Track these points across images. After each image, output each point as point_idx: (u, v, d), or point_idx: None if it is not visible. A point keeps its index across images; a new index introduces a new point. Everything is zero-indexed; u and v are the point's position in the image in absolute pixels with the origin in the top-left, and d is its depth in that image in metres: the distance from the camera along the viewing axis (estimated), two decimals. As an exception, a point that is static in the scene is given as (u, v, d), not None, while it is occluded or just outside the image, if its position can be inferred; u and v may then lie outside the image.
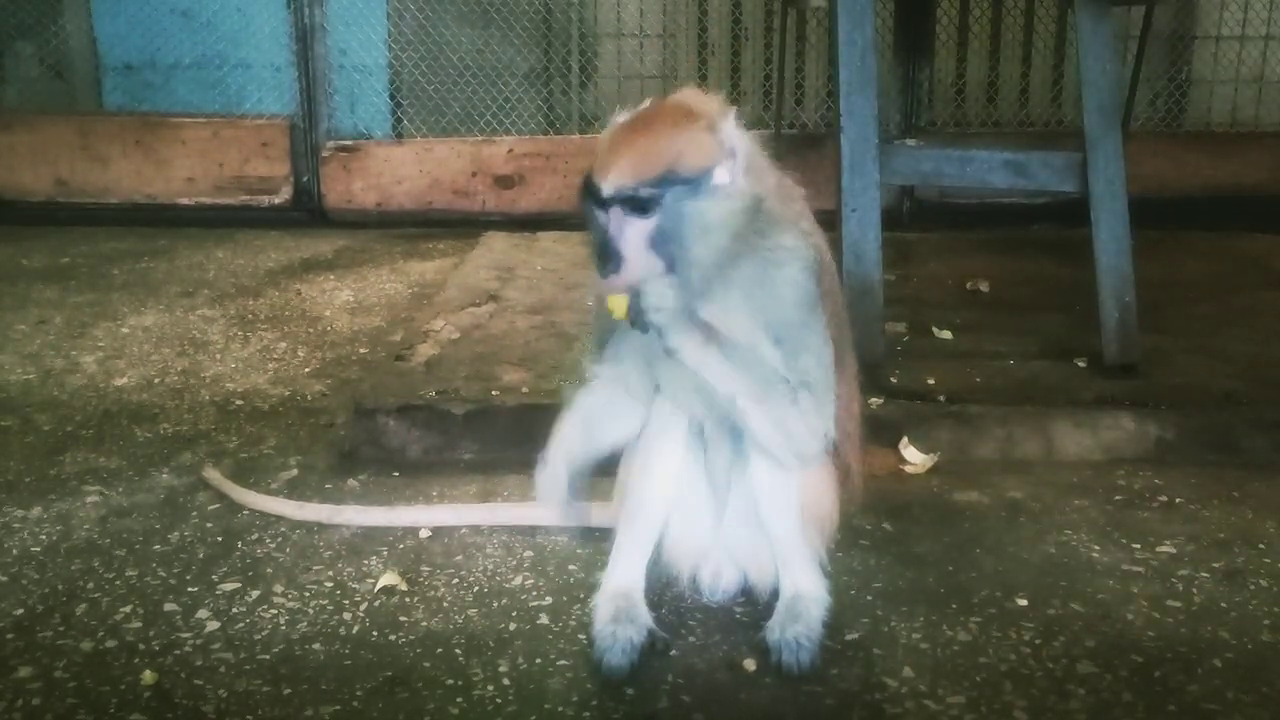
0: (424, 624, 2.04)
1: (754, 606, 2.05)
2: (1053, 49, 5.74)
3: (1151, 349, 3.05)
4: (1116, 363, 2.98)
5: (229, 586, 2.17)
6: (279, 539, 2.36)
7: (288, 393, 3.24)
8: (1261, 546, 2.33)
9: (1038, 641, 1.98)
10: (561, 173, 5.41)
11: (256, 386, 3.29)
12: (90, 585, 2.17)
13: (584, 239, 1.84)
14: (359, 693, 1.84)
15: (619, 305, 1.73)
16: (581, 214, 1.79)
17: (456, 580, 2.20)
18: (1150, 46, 4.59)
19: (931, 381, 2.93)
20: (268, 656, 1.94)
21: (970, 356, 3.15)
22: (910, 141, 4.31)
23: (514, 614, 2.07)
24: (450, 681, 1.87)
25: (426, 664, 1.92)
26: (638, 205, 1.68)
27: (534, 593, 2.14)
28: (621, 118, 1.79)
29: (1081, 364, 3.06)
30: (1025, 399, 2.85)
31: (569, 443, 1.96)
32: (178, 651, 1.95)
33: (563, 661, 1.91)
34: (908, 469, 2.69)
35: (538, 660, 1.92)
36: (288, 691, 1.84)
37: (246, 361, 3.50)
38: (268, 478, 2.68)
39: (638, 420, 1.97)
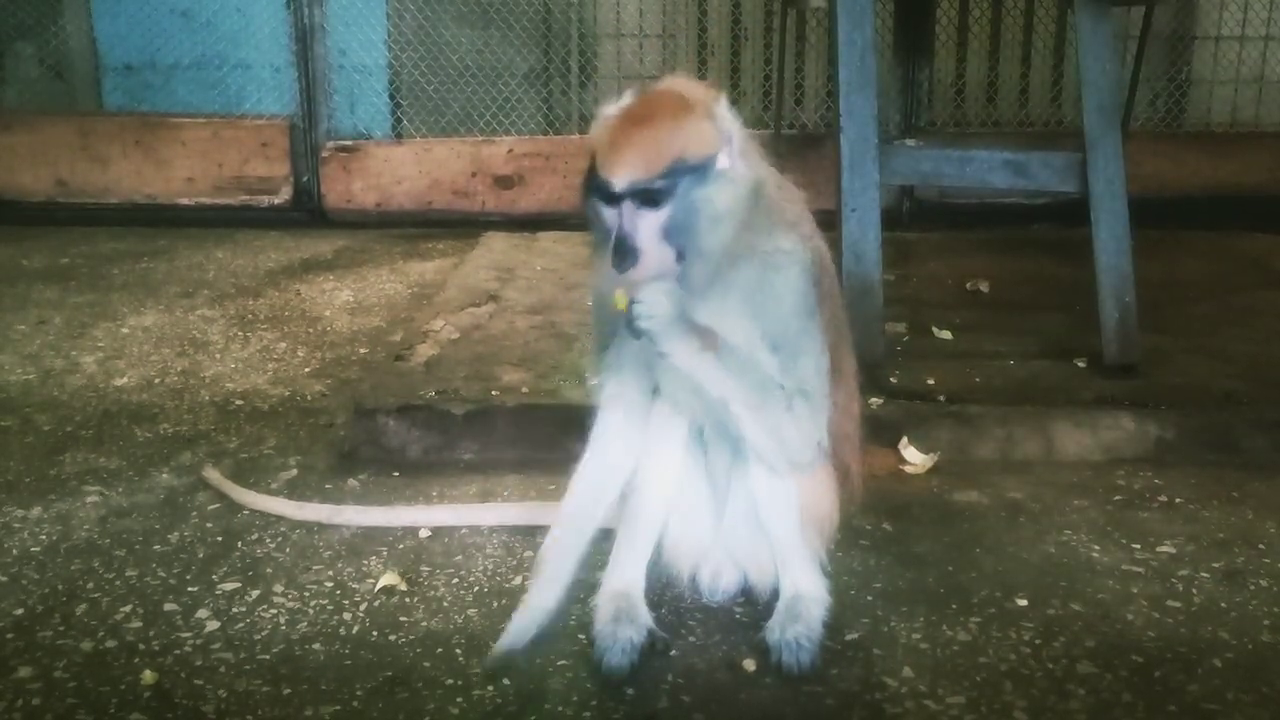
0: (424, 624, 2.04)
1: (754, 606, 2.05)
2: (1052, 49, 5.74)
3: (1151, 349, 3.05)
4: (1116, 363, 2.98)
5: (229, 586, 2.17)
6: (279, 539, 2.36)
7: (288, 393, 3.24)
8: (1261, 546, 2.33)
9: (1038, 641, 1.98)
10: (561, 173, 5.41)
11: (256, 386, 3.29)
12: (90, 585, 2.17)
13: (584, 239, 1.83)
14: (359, 693, 1.84)
15: (623, 299, 1.72)
16: (583, 213, 1.78)
17: (456, 580, 2.20)
18: (1150, 46, 4.60)
19: (931, 381, 2.93)
20: (268, 656, 1.93)
21: (970, 356, 3.15)
22: (910, 141, 4.31)
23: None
24: (450, 681, 1.87)
25: (426, 664, 1.92)
26: (650, 198, 1.67)
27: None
28: (612, 111, 1.76)
29: (1081, 364, 3.06)
30: (1025, 399, 2.85)
31: (573, 527, 1.94)
32: (178, 651, 1.95)
33: (563, 661, 1.91)
34: (908, 469, 2.69)
35: (538, 660, 1.92)
36: (288, 691, 1.84)
37: (246, 362, 3.50)
38: (268, 478, 2.68)
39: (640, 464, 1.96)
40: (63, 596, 2.13)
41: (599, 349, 1.95)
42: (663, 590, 2.09)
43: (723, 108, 1.75)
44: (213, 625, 2.03)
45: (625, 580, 1.98)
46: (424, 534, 2.38)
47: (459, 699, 1.82)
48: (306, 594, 2.14)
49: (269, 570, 2.23)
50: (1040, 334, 3.34)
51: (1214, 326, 3.44)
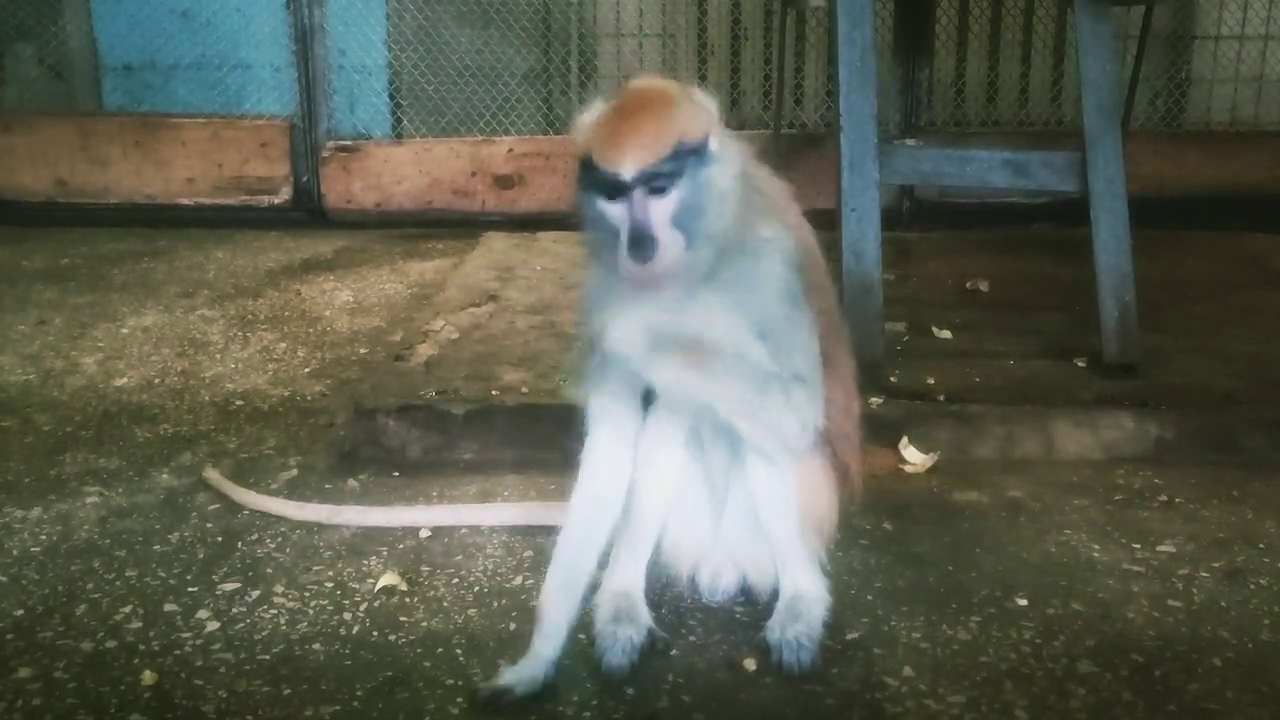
0: (424, 624, 2.04)
1: (754, 606, 2.05)
2: (1052, 49, 5.74)
3: (1151, 349, 3.05)
4: (1116, 362, 2.98)
5: (229, 587, 2.17)
6: (279, 539, 2.36)
7: (287, 393, 3.24)
8: (1261, 546, 2.33)
9: (1038, 641, 1.98)
10: (561, 173, 5.41)
11: (256, 387, 3.29)
12: (90, 586, 2.17)
13: (583, 239, 1.83)
14: (359, 693, 1.84)
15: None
16: (579, 216, 1.77)
17: (456, 580, 2.20)
18: (1150, 46, 4.60)
19: (931, 381, 2.93)
20: (268, 656, 1.93)
21: (970, 356, 3.15)
22: (910, 141, 4.30)
23: (514, 614, 2.07)
24: (450, 681, 1.87)
25: (426, 664, 1.92)
26: (659, 183, 1.66)
27: (534, 593, 2.13)
28: (598, 111, 1.75)
29: (1081, 363, 3.06)
30: (1025, 399, 2.85)
31: (566, 570, 1.92)
32: (178, 652, 1.95)
33: (563, 661, 1.90)
34: (908, 469, 2.69)
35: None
36: (288, 691, 1.84)
37: (246, 362, 3.50)
38: (268, 478, 2.68)
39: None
40: (63, 597, 2.13)
41: (587, 355, 1.91)
42: (663, 590, 2.09)
43: (701, 95, 1.76)
44: (213, 625, 2.03)
45: (625, 580, 1.98)
46: (424, 534, 2.38)
47: (459, 699, 1.82)
48: (307, 594, 2.14)
49: (269, 570, 2.23)
50: (1040, 333, 3.34)
51: (1214, 326, 3.44)
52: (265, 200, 5.53)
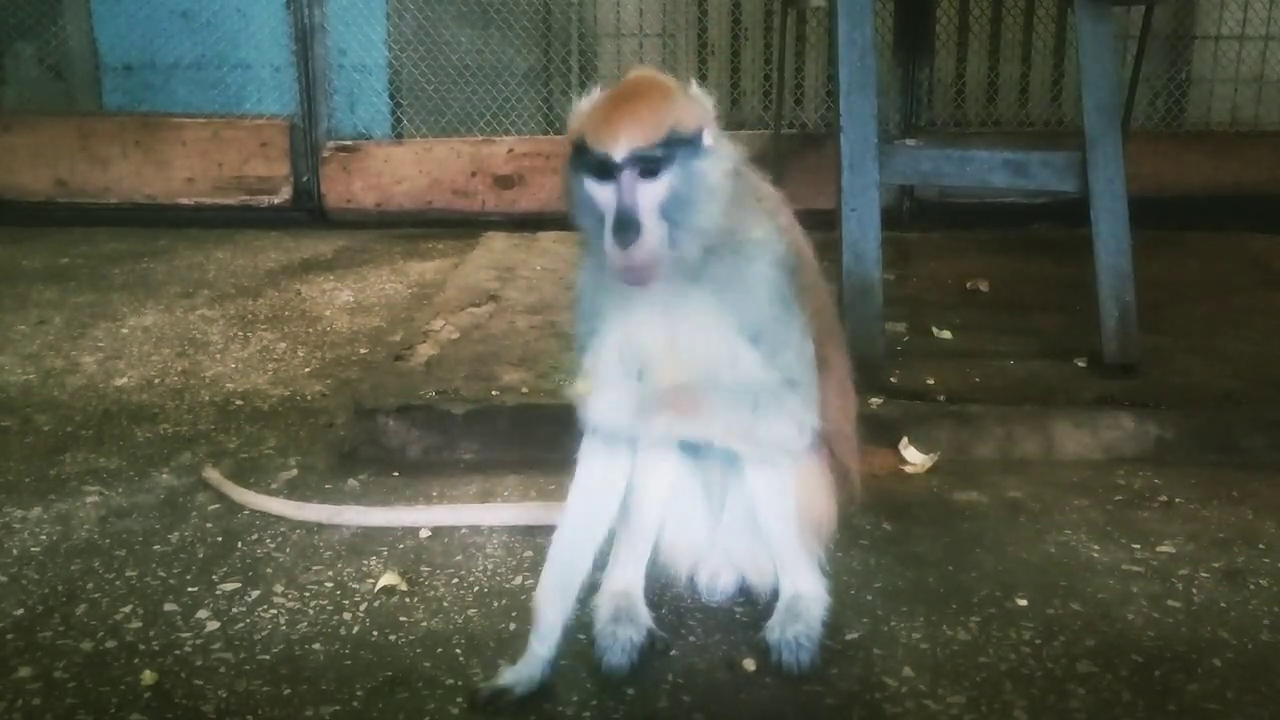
0: (424, 624, 2.04)
1: (754, 606, 2.05)
2: (1053, 49, 5.74)
3: (1151, 349, 3.05)
4: (1116, 362, 2.98)
5: (229, 586, 2.17)
6: (279, 539, 2.36)
7: (287, 393, 3.24)
8: (1261, 546, 2.33)
9: (1038, 641, 1.98)
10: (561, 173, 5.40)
11: (256, 387, 3.29)
12: (90, 585, 2.17)
13: (579, 238, 1.83)
14: (359, 693, 1.84)
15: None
16: (569, 203, 1.76)
17: (456, 580, 2.20)
18: (1150, 46, 4.60)
19: (931, 381, 2.93)
20: (268, 656, 1.94)
21: (970, 356, 3.15)
22: (910, 141, 4.31)
23: (514, 614, 2.07)
24: (450, 681, 1.87)
25: (426, 664, 1.92)
26: (649, 166, 1.66)
27: (534, 592, 2.13)
28: (594, 98, 1.75)
29: (1081, 364, 3.06)
30: (1025, 399, 2.85)
31: (561, 571, 1.92)
32: (178, 651, 1.95)
33: (563, 661, 1.90)
34: (907, 469, 2.69)
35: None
36: (288, 691, 1.84)
37: (246, 362, 3.50)
38: (268, 478, 2.68)
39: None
40: (63, 597, 2.13)
41: (580, 354, 1.89)
42: (662, 590, 2.09)
43: (698, 91, 1.76)
44: (213, 625, 2.03)
45: (625, 580, 1.98)
46: (424, 534, 2.38)
47: (459, 699, 1.82)
48: (306, 594, 2.14)
49: (269, 570, 2.23)
50: (1040, 334, 3.34)
51: (1214, 326, 3.44)
52: (265, 200, 5.53)
